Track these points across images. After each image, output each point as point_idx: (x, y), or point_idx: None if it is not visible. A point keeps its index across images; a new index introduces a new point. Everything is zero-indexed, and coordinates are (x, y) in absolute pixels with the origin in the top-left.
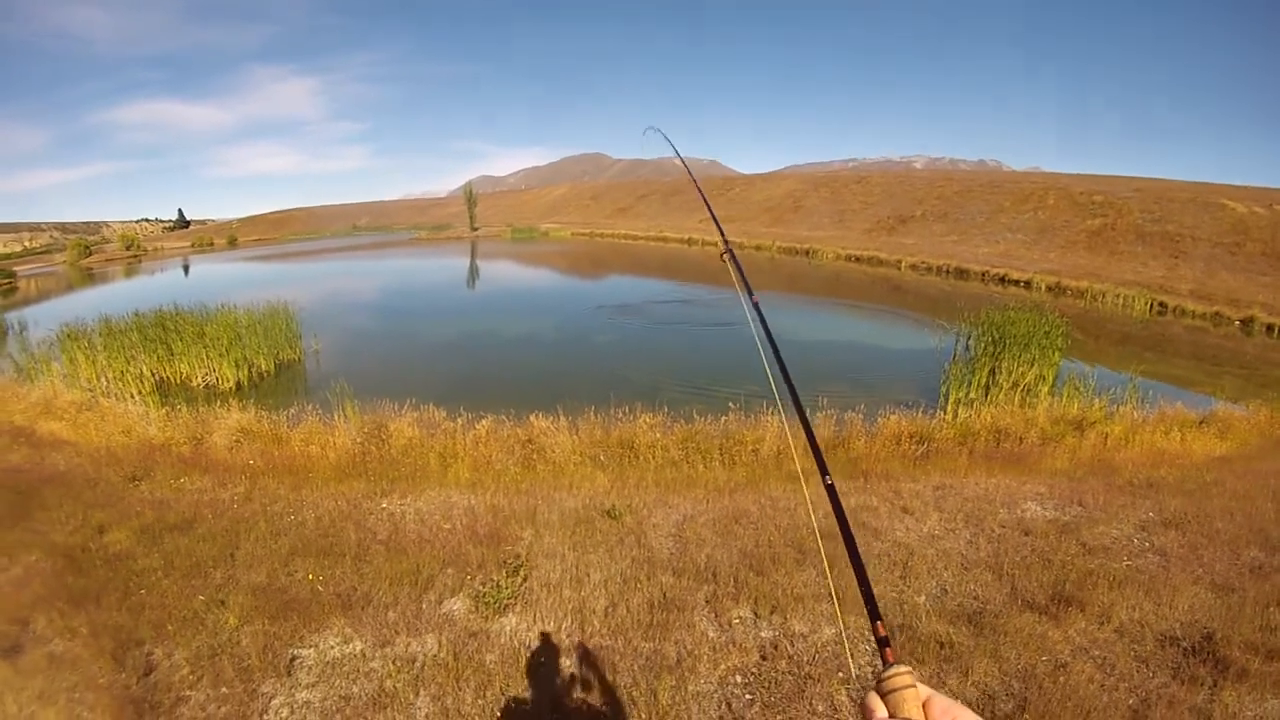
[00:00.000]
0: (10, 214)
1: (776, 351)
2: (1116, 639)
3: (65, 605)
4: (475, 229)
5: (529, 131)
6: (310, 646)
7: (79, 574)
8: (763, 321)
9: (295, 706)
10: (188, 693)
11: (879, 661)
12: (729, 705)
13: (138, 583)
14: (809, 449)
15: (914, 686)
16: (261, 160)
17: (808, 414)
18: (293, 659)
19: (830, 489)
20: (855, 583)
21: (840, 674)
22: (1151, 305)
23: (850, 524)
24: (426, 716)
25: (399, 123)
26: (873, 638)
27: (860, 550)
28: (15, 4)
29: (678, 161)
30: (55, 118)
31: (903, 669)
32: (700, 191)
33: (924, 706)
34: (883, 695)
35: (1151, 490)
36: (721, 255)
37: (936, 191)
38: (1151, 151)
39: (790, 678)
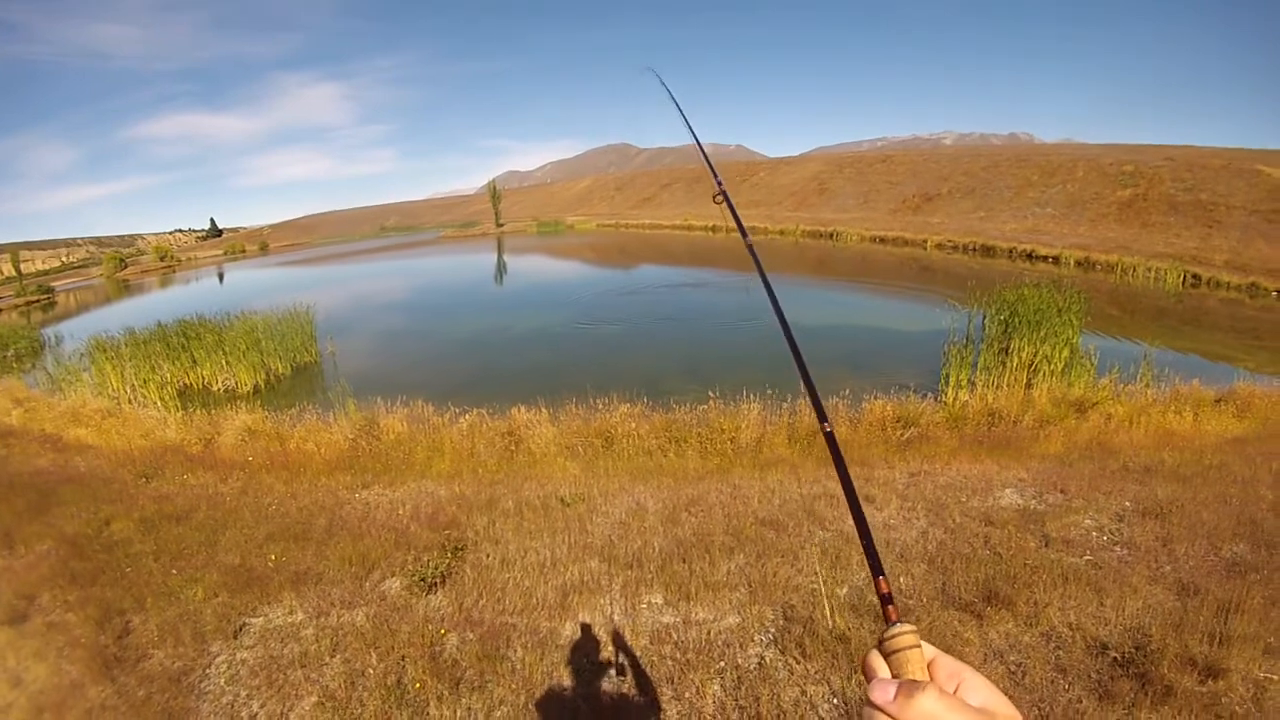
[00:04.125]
0: (48, 231)
1: (784, 319)
2: (1041, 644)
3: (66, 583)
4: (500, 224)
5: (555, 125)
6: (260, 616)
7: (81, 558)
8: (773, 298)
9: (234, 663)
10: (152, 651)
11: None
12: (601, 683)
13: (129, 565)
14: (790, 438)
15: (918, 647)
16: (291, 167)
17: (790, 400)
18: (242, 626)
19: (829, 436)
20: (778, 572)
21: (721, 663)
22: (1184, 277)
23: (800, 512)
24: (333, 675)
25: (426, 123)
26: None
27: (800, 539)
28: (44, 27)
29: (705, 147)
30: (88, 134)
31: (906, 628)
32: (704, 154)
33: (929, 668)
34: (885, 656)
35: (1146, 475)
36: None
37: (963, 167)
38: (1185, 118)
39: (669, 663)
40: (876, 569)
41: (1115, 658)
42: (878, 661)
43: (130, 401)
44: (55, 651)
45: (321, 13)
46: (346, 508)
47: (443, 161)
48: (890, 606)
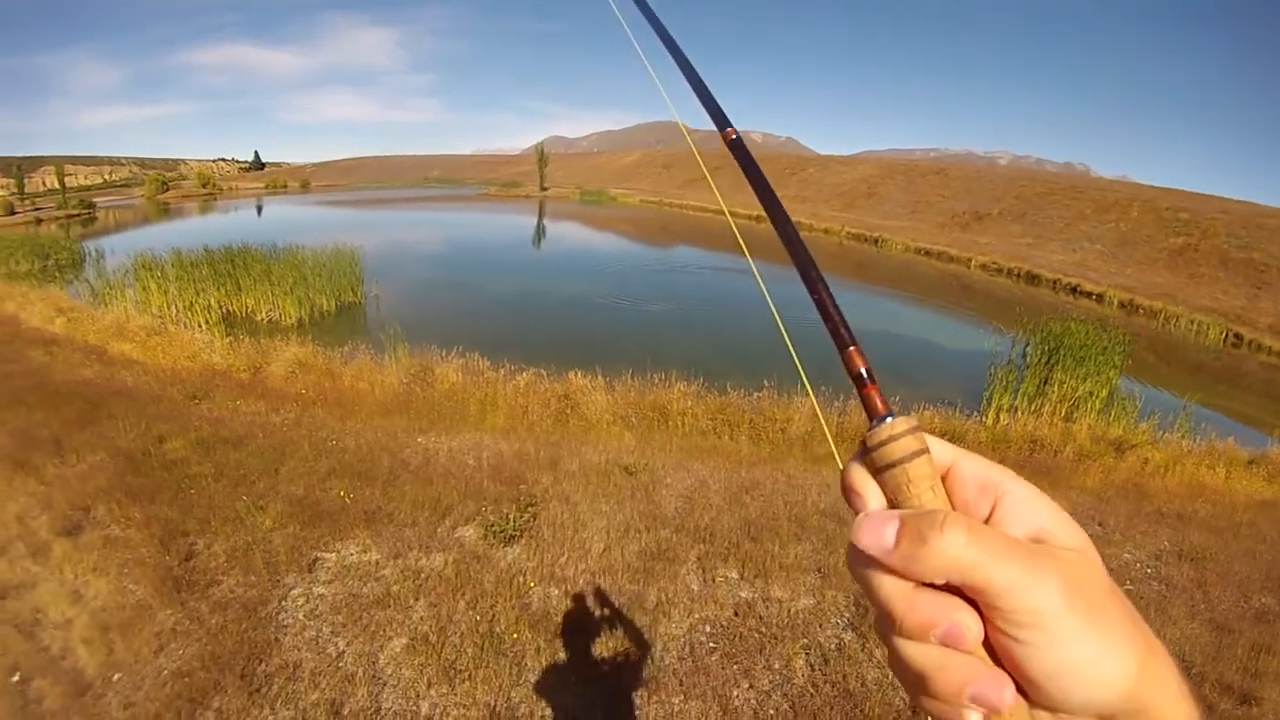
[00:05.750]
0: (90, 148)
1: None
2: None
3: (123, 498)
4: (544, 189)
5: (604, 95)
6: (333, 551)
7: (138, 474)
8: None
9: (311, 597)
10: (221, 577)
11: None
12: (692, 649)
13: (189, 485)
14: (837, 437)
15: (925, 452)
16: (336, 107)
17: (838, 400)
18: (315, 560)
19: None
20: (844, 562)
21: (804, 640)
22: (1226, 335)
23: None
24: (421, 619)
25: (474, 78)
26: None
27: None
28: None
29: (755, 136)
30: (136, 56)
31: (902, 423)
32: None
33: (945, 482)
34: (875, 472)
35: (1180, 522)
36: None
37: (1016, 190)
38: (1245, 172)
39: (756, 635)
40: (845, 339)
41: None
42: (860, 479)
43: (175, 322)
44: (116, 568)
45: None
46: (406, 451)
47: (487, 118)
48: (874, 391)
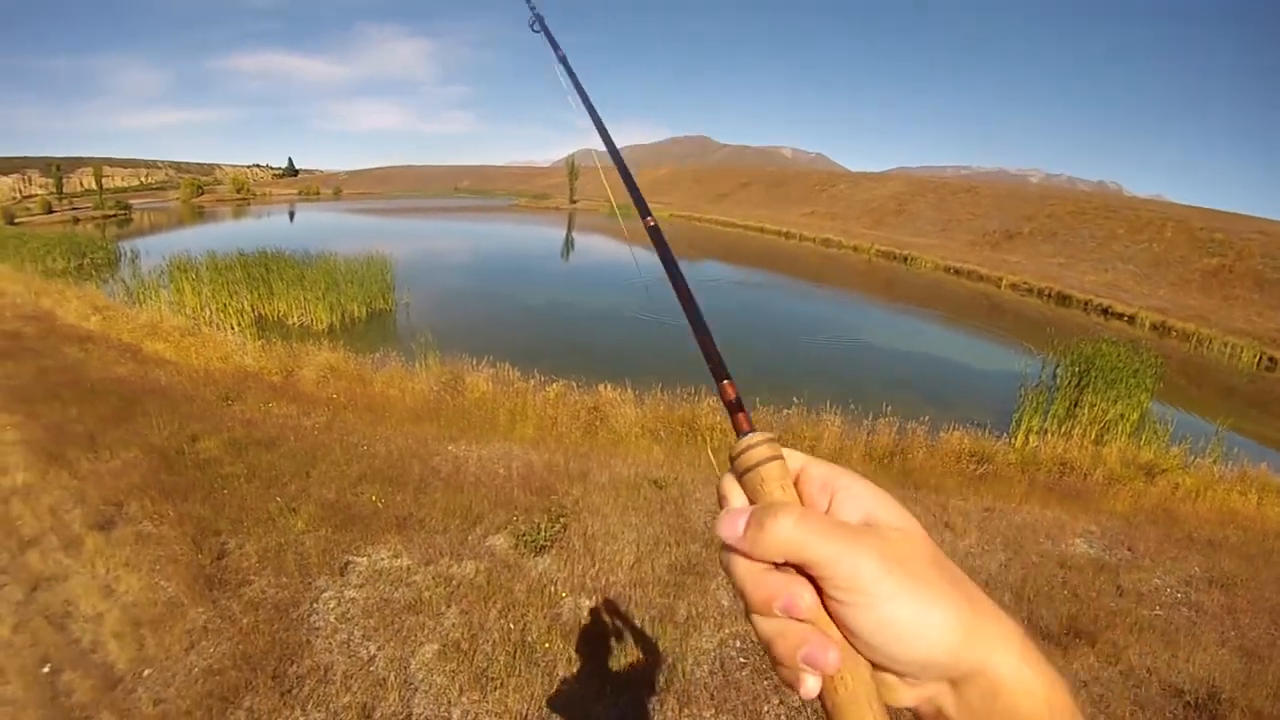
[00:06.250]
0: (127, 150)
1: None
2: (1120, 680)
3: (156, 495)
4: (574, 201)
5: (635, 108)
6: (364, 556)
7: (171, 472)
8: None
9: (342, 600)
10: (252, 578)
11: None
12: (722, 664)
13: (221, 484)
14: (866, 455)
15: (779, 458)
16: (370, 117)
17: (871, 418)
18: (347, 563)
19: (653, 229)
20: None
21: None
22: (1260, 359)
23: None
24: (452, 625)
25: (506, 90)
26: None
27: None
28: None
29: (785, 151)
30: (175, 61)
31: (760, 436)
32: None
33: (796, 483)
34: (739, 477)
35: (1210, 548)
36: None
37: (1048, 209)
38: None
39: None
40: (720, 371)
41: (1189, 701)
42: (729, 487)
43: (208, 324)
44: (148, 564)
45: None
46: (437, 458)
47: (520, 130)
48: (741, 414)
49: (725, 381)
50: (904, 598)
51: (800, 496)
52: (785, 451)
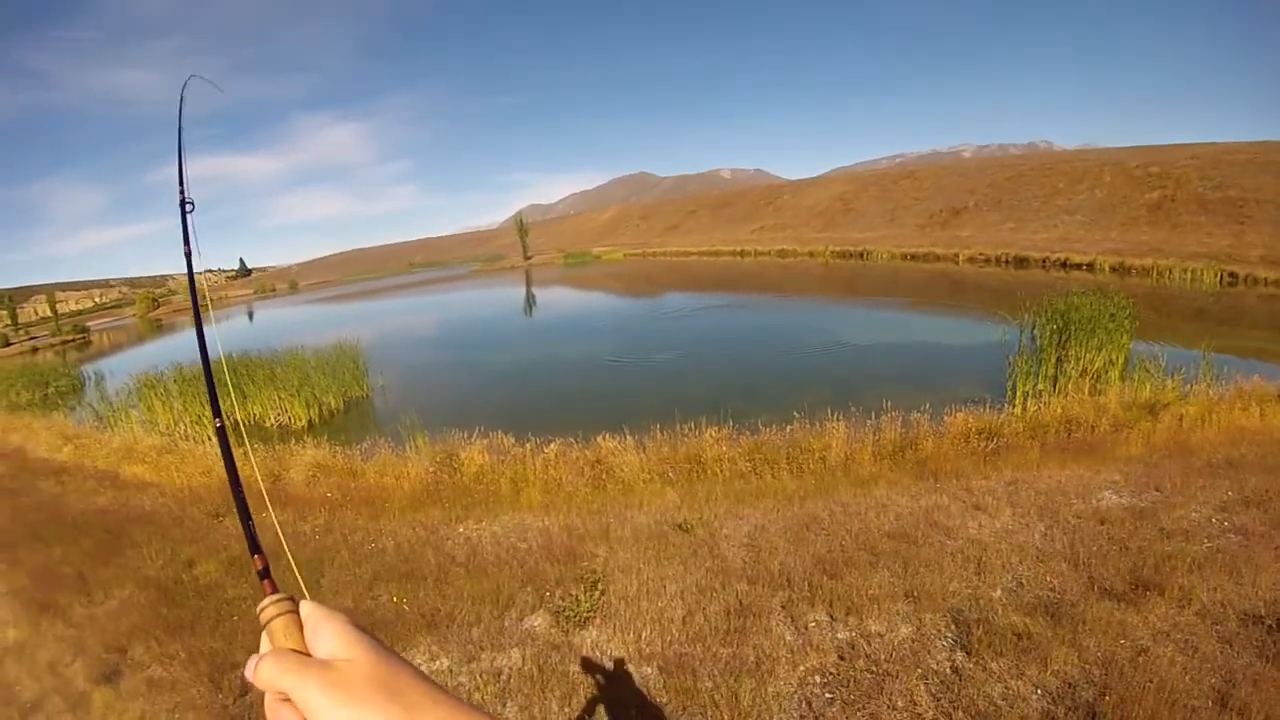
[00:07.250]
0: (79, 273)
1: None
2: (1198, 621)
3: (161, 633)
4: (528, 257)
5: (573, 156)
6: None
7: (172, 605)
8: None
9: None
10: None
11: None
12: (809, 704)
13: (229, 610)
14: (876, 455)
15: (286, 614)
16: (315, 205)
17: (874, 416)
18: None
19: (220, 431)
20: (930, 582)
21: (919, 670)
22: (1221, 276)
23: (923, 524)
24: None
25: (446, 159)
26: (910, 630)
27: (935, 549)
28: (68, 75)
29: (724, 173)
30: (115, 178)
31: (269, 599)
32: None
33: (305, 627)
34: (263, 629)
35: (1231, 470)
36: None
37: (988, 179)
38: (1208, 114)
39: (869, 675)
40: (254, 546)
41: (1270, 625)
42: (262, 637)
43: (184, 438)
44: (165, 714)
45: (339, 55)
46: (449, 543)
47: (465, 197)
48: (265, 582)
49: (256, 555)
50: (341, 712)
51: (302, 638)
52: (302, 603)
